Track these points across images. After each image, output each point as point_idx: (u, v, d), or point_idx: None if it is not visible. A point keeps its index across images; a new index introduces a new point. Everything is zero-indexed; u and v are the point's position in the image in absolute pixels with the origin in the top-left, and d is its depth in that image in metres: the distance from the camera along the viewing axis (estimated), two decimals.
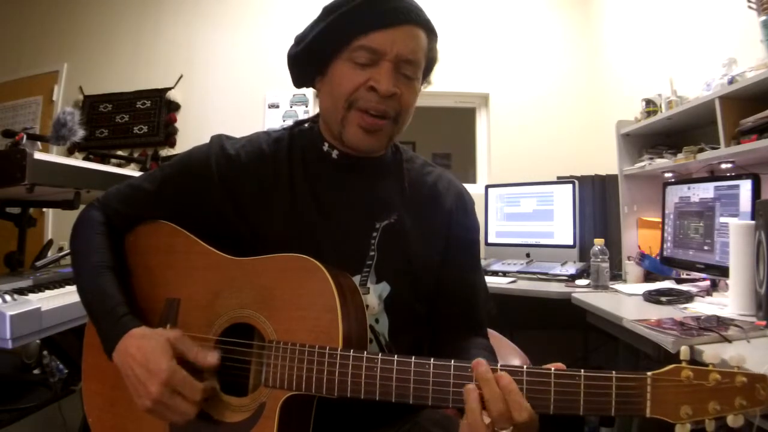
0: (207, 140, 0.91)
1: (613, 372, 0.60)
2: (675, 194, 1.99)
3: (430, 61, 0.88)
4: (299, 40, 0.87)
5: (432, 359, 0.66)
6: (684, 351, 0.59)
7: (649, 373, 0.59)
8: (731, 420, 0.56)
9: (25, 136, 1.67)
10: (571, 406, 0.61)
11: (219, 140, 0.90)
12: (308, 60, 0.86)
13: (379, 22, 0.80)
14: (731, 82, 1.58)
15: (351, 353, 0.69)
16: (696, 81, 1.87)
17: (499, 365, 0.64)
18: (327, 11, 0.83)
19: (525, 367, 0.63)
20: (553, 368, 0.62)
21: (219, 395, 0.77)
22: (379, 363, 0.68)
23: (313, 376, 0.71)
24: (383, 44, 0.80)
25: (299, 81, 0.91)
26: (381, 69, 0.80)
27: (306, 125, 0.95)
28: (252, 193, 0.87)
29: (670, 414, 0.58)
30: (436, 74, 0.93)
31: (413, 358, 0.67)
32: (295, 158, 0.90)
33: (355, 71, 0.81)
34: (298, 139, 0.92)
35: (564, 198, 2.52)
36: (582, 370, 0.61)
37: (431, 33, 0.86)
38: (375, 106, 0.81)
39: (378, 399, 0.68)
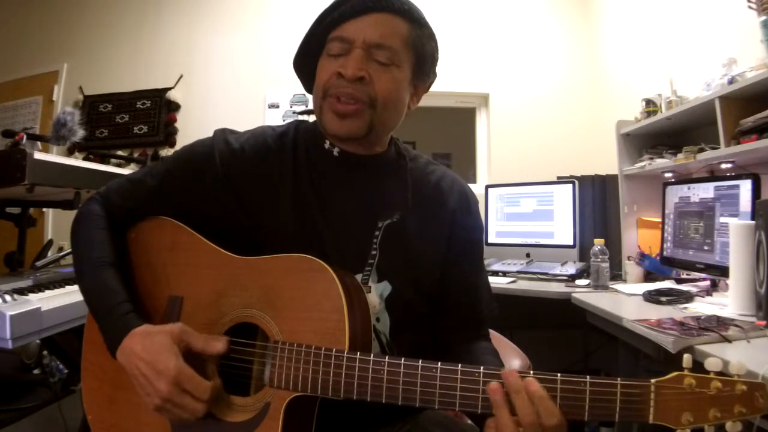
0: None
1: (618, 379, 0.60)
2: (675, 194, 1.99)
3: (419, 50, 0.87)
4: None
5: (439, 363, 0.67)
6: (686, 359, 0.61)
7: (652, 381, 0.60)
8: (730, 426, 0.58)
9: (25, 136, 1.67)
10: (576, 412, 0.62)
11: (222, 134, 0.90)
12: (305, 64, 0.89)
13: (348, 13, 0.82)
14: (731, 82, 1.58)
15: (358, 356, 0.69)
16: (696, 81, 1.86)
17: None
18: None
19: (531, 372, 0.64)
20: (559, 375, 0.62)
21: (223, 394, 0.77)
22: (386, 366, 0.68)
23: (319, 378, 0.71)
24: (353, 32, 0.82)
25: (307, 86, 0.92)
26: (350, 56, 0.82)
27: (310, 121, 0.95)
28: (255, 188, 0.86)
29: (672, 420, 0.59)
30: (436, 73, 0.93)
31: (420, 361, 0.67)
32: (299, 154, 0.89)
33: (330, 62, 0.84)
34: (302, 134, 0.92)
35: (564, 198, 2.52)
36: (588, 377, 0.61)
37: (415, 22, 0.85)
38: (343, 91, 0.82)
39: (384, 401, 0.68)
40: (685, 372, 0.60)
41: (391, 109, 0.86)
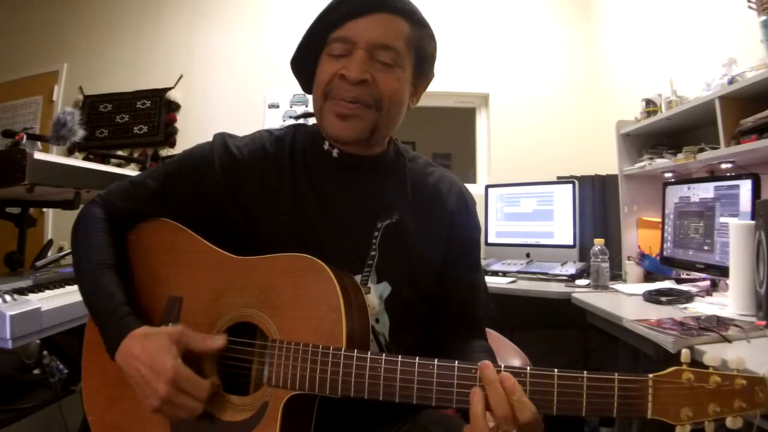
0: (207, 140, 0.91)
1: (615, 374, 0.60)
2: (675, 194, 1.99)
3: (421, 51, 0.87)
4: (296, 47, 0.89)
5: (436, 360, 0.67)
6: (685, 354, 0.60)
7: (650, 375, 0.59)
8: (730, 422, 0.57)
9: (25, 136, 1.67)
10: (573, 407, 0.61)
11: (222, 138, 0.90)
12: (303, 64, 0.89)
13: (351, 12, 0.82)
14: (731, 82, 1.58)
15: (355, 353, 0.69)
16: (696, 81, 1.87)
17: (503, 366, 0.64)
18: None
19: (528, 368, 0.64)
20: (556, 370, 0.62)
21: (221, 394, 0.77)
22: (383, 363, 0.68)
23: (316, 376, 0.71)
24: (355, 33, 0.81)
25: (304, 86, 0.92)
26: (353, 57, 0.81)
27: (309, 123, 0.95)
28: (255, 191, 0.87)
29: (671, 415, 0.58)
30: (436, 73, 0.93)
31: (417, 358, 0.67)
32: (297, 157, 0.90)
33: (331, 63, 0.83)
34: (300, 137, 0.92)
35: (564, 198, 2.52)
36: (585, 372, 0.61)
37: (416, 21, 0.85)
38: (346, 93, 0.81)
39: (381, 399, 0.68)
40: (684, 367, 0.59)
41: (396, 110, 0.86)
